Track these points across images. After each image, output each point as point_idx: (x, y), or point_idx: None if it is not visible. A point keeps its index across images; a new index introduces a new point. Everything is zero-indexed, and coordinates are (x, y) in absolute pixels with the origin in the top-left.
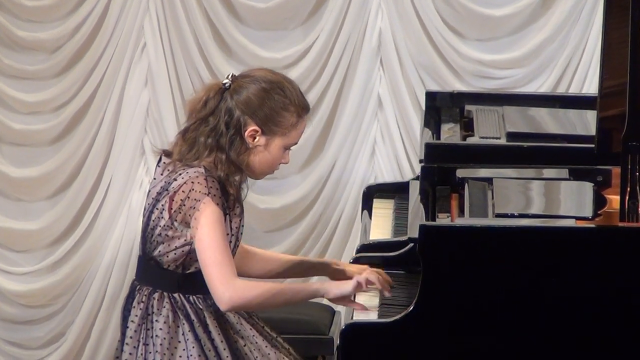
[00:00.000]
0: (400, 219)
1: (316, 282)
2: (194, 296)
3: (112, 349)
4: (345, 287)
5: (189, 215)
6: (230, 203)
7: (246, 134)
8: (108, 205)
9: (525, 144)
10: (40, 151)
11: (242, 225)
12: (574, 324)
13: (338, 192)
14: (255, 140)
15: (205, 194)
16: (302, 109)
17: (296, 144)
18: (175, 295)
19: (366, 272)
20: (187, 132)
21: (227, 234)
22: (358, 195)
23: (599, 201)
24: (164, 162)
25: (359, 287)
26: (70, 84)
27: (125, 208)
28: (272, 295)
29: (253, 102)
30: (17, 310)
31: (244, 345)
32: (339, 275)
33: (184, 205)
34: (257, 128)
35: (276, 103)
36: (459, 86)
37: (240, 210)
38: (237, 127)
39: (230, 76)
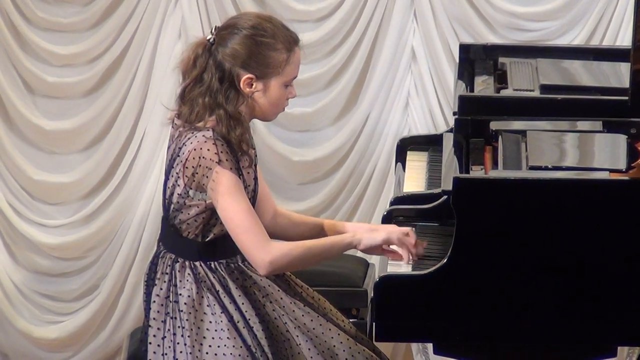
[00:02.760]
0: (433, 172)
1: (348, 235)
2: (215, 262)
3: None
4: (376, 236)
5: (203, 183)
6: (238, 156)
7: (241, 84)
8: (141, 158)
9: (559, 97)
10: (74, 104)
11: (255, 173)
12: (608, 276)
13: (372, 144)
14: (253, 87)
15: (216, 161)
16: (290, 43)
17: (296, 76)
18: (197, 263)
19: (396, 232)
20: (184, 94)
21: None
22: (392, 147)
23: (633, 153)
24: (176, 124)
25: (389, 241)
26: (104, 37)
27: (159, 162)
28: (309, 253)
29: (239, 52)
30: (51, 262)
31: (273, 310)
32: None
33: (197, 173)
34: (250, 75)
35: (262, 47)
36: (492, 39)
37: (249, 162)
38: (230, 80)
39: (213, 30)
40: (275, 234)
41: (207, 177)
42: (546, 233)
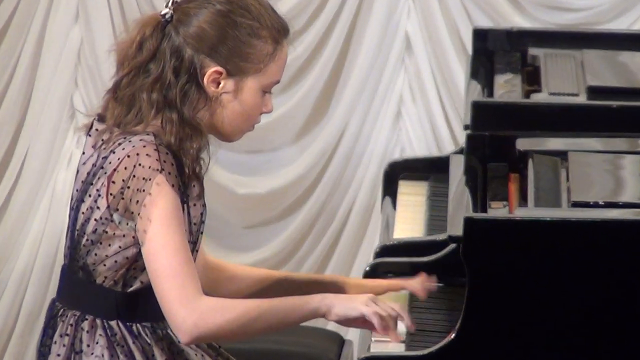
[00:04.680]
0: (436, 210)
1: (316, 297)
2: (138, 325)
3: None
4: (355, 303)
5: (135, 202)
6: (186, 181)
7: (206, 79)
8: (22, 189)
9: (614, 104)
10: None
11: (204, 214)
12: None
13: (349, 171)
14: (220, 86)
15: (157, 169)
16: (279, 32)
17: (278, 81)
18: (113, 323)
19: (383, 310)
20: (118, 88)
21: (185, 231)
22: (377, 175)
23: None
24: (97, 130)
25: (372, 311)
26: None
27: (47, 194)
28: (253, 318)
29: (208, 33)
30: None
31: None
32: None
33: (127, 187)
34: (219, 69)
35: (241, 29)
36: (519, 21)
37: (199, 192)
38: (190, 72)
39: (170, 3)
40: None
41: (142, 191)
42: (596, 295)
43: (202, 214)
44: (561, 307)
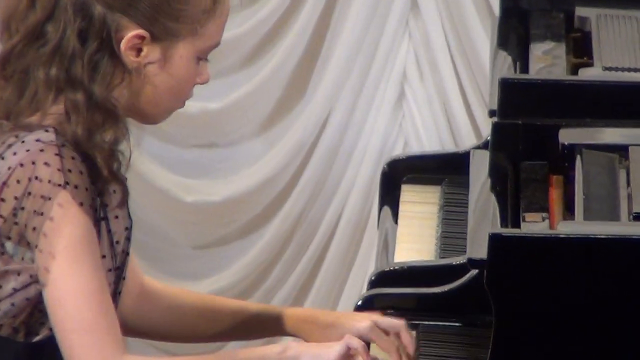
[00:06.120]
0: (452, 224)
1: (273, 347)
2: None
3: None
4: (326, 353)
5: (31, 228)
6: (101, 187)
7: (123, 46)
8: None
9: None
10: None
11: (130, 229)
12: None
13: (334, 172)
14: (142, 54)
15: (59, 184)
16: None
17: (217, 45)
18: None
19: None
20: (7, 62)
21: (104, 257)
22: (373, 177)
23: None
24: None
25: (348, 354)
26: None
27: None
28: None
29: None
30: None
31: None
32: (322, 334)
33: (22, 208)
34: (141, 32)
35: None
36: None
37: (121, 198)
38: (102, 37)
39: None
40: (138, 329)
41: (40, 215)
42: None
43: (127, 228)
44: (620, 347)
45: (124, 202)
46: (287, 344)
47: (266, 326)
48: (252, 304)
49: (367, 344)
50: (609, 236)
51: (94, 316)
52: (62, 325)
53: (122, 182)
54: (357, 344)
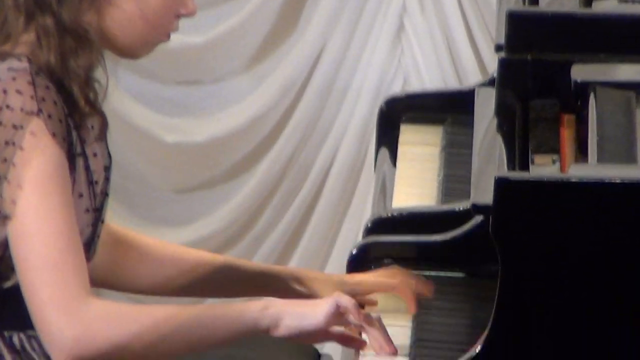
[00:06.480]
0: (455, 167)
1: (255, 303)
2: (21, 334)
3: None
4: (312, 311)
5: (2, 159)
6: (78, 119)
7: None
8: None
9: None
10: None
11: (110, 167)
12: None
13: (327, 110)
14: None
15: (32, 112)
16: None
17: None
18: None
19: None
20: None
21: (81, 195)
22: (369, 116)
23: None
24: None
25: (337, 313)
26: None
27: None
28: (164, 334)
29: None
30: None
31: None
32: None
33: None
34: None
35: None
36: None
37: (100, 131)
38: None
39: None
40: (110, 282)
41: (11, 145)
42: None
43: (106, 167)
44: (634, 298)
45: (102, 134)
46: (268, 301)
47: (253, 287)
48: (239, 260)
49: (361, 305)
50: (625, 180)
51: (60, 253)
52: (25, 262)
53: (100, 112)
54: (346, 301)
